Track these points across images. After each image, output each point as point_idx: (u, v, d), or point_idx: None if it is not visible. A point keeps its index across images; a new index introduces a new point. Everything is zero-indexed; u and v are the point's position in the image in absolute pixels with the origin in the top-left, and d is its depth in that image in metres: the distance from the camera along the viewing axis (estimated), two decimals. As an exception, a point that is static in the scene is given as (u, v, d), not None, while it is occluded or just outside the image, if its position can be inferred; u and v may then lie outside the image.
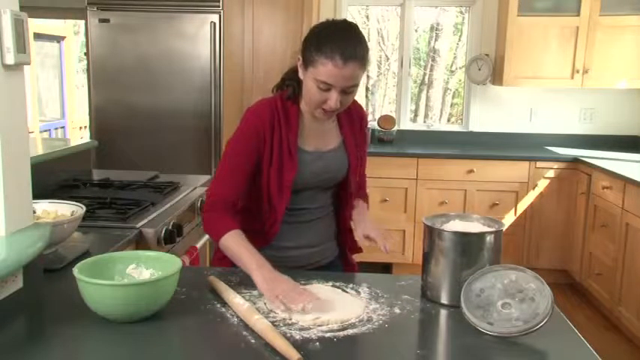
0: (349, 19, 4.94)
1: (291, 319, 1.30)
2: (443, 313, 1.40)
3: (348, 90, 1.56)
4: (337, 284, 1.54)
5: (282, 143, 1.64)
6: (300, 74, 1.60)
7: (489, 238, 1.40)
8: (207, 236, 2.58)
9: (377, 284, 1.54)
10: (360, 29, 1.59)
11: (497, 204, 4.21)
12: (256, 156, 1.64)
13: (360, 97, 7.61)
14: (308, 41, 1.57)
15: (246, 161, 1.64)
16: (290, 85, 1.67)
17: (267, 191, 1.67)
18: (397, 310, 1.39)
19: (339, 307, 1.37)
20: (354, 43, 1.52)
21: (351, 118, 1.78)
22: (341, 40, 1.51)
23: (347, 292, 1.49)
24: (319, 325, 1.28)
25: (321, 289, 1.50)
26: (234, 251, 1.54)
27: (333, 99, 1.54)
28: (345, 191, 1.77)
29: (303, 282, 1.53)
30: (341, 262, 1.85)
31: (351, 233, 1.82)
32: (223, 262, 1.70)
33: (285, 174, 1.64)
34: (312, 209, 1.75)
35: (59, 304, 1.39)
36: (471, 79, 4.67)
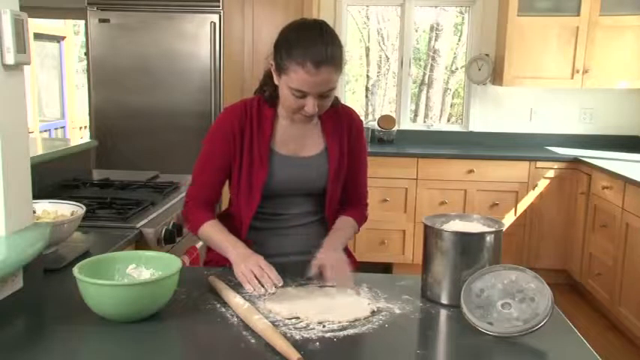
0: (349, 19, 4.95)
1: (298, 318, 1.30)
2: (443, 313, 1.40)
3: (325, 94, 1.50)
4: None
5: (253, 145, 1.61)
6: (275, 80, 1.55)
7: (489, 238, 1.40)
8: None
9: (377, 284, 1.54)
10: (332, 28, 1.52)
11: (497, 204, 4.21)
12: (228, 155, 1.64)
13: (360, 97, 7.65)
14: (278, 46, 1.51)
15: (217, 161, 1.65)
16: (267, 89, 1.63)
17: (237, 194, 1.67)
18: (397, 310, 1.39)
19: (339, 307, 1.37)
20: (324, 46, 1.44)
21: (339, 124, 1.69)
22: (311, 45, 1.44)
23: (347, 292, 1.49)
24: (320, 324, 1.28)
25: (322, 289, 1.50)
26: (213, 238, 1.61)
27: (310, 105, 1.49)
28: (330, 201, 1.70)
29: (303, 282, 1.53)
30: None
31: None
32: (211, 263, 1.73)
33: (254, 177, 1.62)
34: (290, 216, 1.69)
35: (59, 304, 1.40)
36: (471, 79, 4.67)
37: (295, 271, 1.55)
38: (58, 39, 7.46)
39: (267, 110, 1.64)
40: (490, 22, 4.61)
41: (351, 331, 1.27)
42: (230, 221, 1.70)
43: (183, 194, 2.48)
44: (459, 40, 7.34)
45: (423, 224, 1.47)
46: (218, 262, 1.70)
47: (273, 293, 1.43)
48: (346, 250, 1.73)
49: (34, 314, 1.37)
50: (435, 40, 7.66)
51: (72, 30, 7.73)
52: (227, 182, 1.73)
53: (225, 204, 1.85)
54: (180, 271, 1.34)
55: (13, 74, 1.39)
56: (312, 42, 1.45)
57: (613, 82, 4.32)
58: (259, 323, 1.24)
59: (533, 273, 1.31)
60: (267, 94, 1.63)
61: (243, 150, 1.62)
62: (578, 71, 4.27)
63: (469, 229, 1.44)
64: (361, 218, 1.79)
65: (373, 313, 1.36)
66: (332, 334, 1.25)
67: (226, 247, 1.56)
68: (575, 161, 4.10)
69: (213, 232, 1.62)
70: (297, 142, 1.66)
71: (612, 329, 3.58)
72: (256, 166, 1.62)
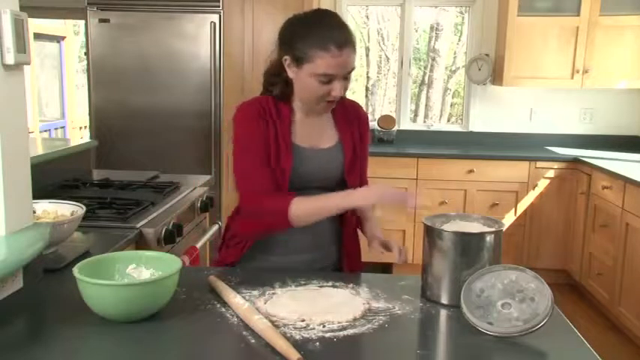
0: (349, 19, 4.95)
1: (303, 320, 1.29)
2: (443, 313, 1.40)
3: (348, 76, 1.56)
4: (337, 284, 1.54)
5: (278, 137, 1.61)
6: (291, 74, 1.58)
7: (489, 238, 1.40)
8: (207, 236, 2.58)
9: (377, 284, 1.54)
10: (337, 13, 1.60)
11: (497, 204, 4.21)
12: (265, 139, 1.60)
13: (360, 97, 7.64)
14: (291, 40, 1.56)
15: (264, 145, 1.60)
16: (274, 88, 1.65)
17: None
18: (397, 310, 1.39)
19: (339, 307, 1.37)
20: (341, 28, 1.53)
21: (348, 116, 1.74)
22: (329, 29, 1.52)
23: (347, 292, 1.49)
24: (320, 325, 1.28)
25: (322, 289, 1.50)
26: (313, 206, 1.55)
27: (337, 88, 1.55)
28: None
29: (303, 282, 1.53)
30: (339, 269, 1.78)
31: (354, 238, 1.79)
32: (228, 257, 1.72)
33: (281, 168, 1.60)
34: None
35: (59, 304, 1.40)
36: (471, 79, 4.67)
37: (308, 270, 1.63)
38: (58, 39, 7.46)
39: (282, 105, 1.65)
40: (490, 22, 4.61)
41: (351, 331, 1.27)
42: (253, 225, 1.68)
43: (184, 194, 2.50)
44: (459, 40, 7.34)
45: (423, 224, 1.47)
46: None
47: (273, 293, 1.42)
48: (343, 262, 1.78)
49: (34, 314, 1.37)
50: (435, 40, 7.66)
51: (72, 30, 7.74)
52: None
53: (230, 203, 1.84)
54: (180, 271, 1.34)
55: (13, 74, 1.39)
56: (329, 27, 1.53)
57: (613, 82, 4.32)
58: (259, 323, 1.24)
59: (533, 273, 1.31)
60: (278, 91, 1.65)
61: (269, 142, 1.61)
62: (578, 71, 4.27)
63: (469, 229, 1.44)
64: None
65: (367, 311, 1.36)
66: (332, 334, 1.25)
67: (340, 199, 1.53)
68: (575, 161, 4.10)
69: (310, 200, 1.55)
70: (313, 134, 1.68)
71: (612, 329, 3.58)
72: (282, 157, 1.60)
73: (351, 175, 1.71)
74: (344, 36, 1.52)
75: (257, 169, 1.59)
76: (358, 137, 1.75)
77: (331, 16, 1.58)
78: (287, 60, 1.58)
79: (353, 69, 1.56)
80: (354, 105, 1.79)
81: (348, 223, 1.76)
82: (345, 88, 1.58)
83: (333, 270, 1.77)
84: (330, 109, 1.66)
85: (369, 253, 1.79)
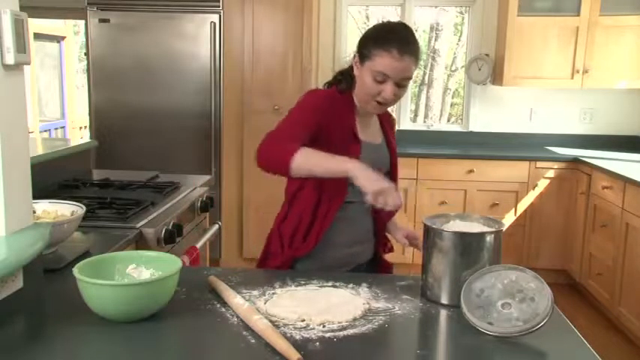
0: (349, 19, 4.95)
1: (303, 320, 1.30)
2: (443, 313, 1.40)
3: (402, 83, 1.63)
4: (337, 284, 1.54)
5: (344, 128, 1.69)
6: (356, 71, 1.69)
7: (489, 238, 1.40)
8: (207, 236, 2.58)
9: (377, 284, 1.54)
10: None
11: (497, 204, 4.21)
12: (315, 129, 1.63)
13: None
14: (366, 39, 1.67)
15: (313, 125, 1.63)
16: (343, 80, 1.74)
17: (322, 183, 1.68)
18: (397, 310, 1.39)
19: (339, 307, 1.37)
20: (409, 39, 1.63)
21: (388, 119, 1.90)
22: (398, 36, 1.62)
23: (347, 292, 1.49)
24: (320, 325, 1.28)
25: (322, 289, 1.50)
26: (315, 159, 1.52)
27: (388, 90, 1.62)
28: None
29: (303, 282, 1.53)
30: (375, 263, 1.88)
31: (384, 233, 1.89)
32: (268, 262, 1.79)
33: (349, 156, 1.61)
34: (359, 203, 1.71)
35: (59, 304, 1.39)
36: (471, 79, 4.67)
37: (354, 261, 1.80)
38: (58, 39, 7.46)
39: (346, 99, 1.74)
40: (490, 22, 4.61)
41: (351, 331, 1.27)
42: (308, 211, 1.71)
43: (184, 194, 2.50)
44: (459, 40, 7.34)
45: (423, 224, 1.47)
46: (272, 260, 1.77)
47: (273, 293, 1.43)
48: (380, 255, 1.91)
49: (34, 314, 1.37)
50: (435, 40, 7.66)
51: (72, 30, 7.74)
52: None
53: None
54: (180, 271, 1.34)
55: (13, 74, 1.39)
56: (398, 34, 1.64)
57: (613, 82, 4.32)
58: (259, 323, 1.24)
59: (533, 273, 1.31)
60: (343, 85, 1.75)
61: (333, 133, 1.66)
62: (578, 71, 4.27)
63: (469, 229, 1.44)
64: None
65: (367, 311, 1.36)
66: (332, 334, 1.25)
67: (343, 163, 1.50)
68: (575, 161, 4.10)
69: (315, 153, 1.53)
70: (368, 129, 1.79)
71: (612, 329, 3.58)
72: (351, 148, 1.67)
73: (395, 171, 1.88)
74: (410, 44, 1.61)
75: (290, 132, 1.59)
76: (393, 137, 1.91)
77: (405, 28, 1.67)
78: (355, 57, 1.69)
79: (409, 78, 1.65)
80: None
81: (382, 219, 1.86)
82: (397, 95, 1.65)
83: (373, 260, 1.88)
84: (380, 111, 1.75)
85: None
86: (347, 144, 1.69)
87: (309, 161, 1.52)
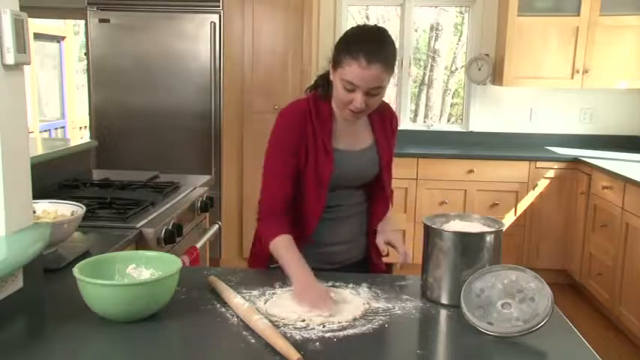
0: (349, 19, 4.95)
1: (303, 320, 1.30)
2: (443, 313, 1.40)
3: (373, 92, 1.57)
4: (337, 284, 1.54)
5: (317, 141, 1.67)
6: (331, 76, 1.64)
7: (489, 238, 1.40)
8: (207, 236, 2.58)
9: (377, 284, 1.54)
10: (389, 33, 1.62)
11: (497, 204, 4.21)
12: (297, 155, 1.66)
13: (387, 88, 7.61)
14: (339, 44, 1.61)
15: (291, 156, 1.66)
16: (322, 85, 1.71)
17: (304, 190, 1.69)
18: (397, 310, 1.39)
19: (339, 307, 1.37)
20: (379, 45, 1.55)
21: (383, 118, 1.81)
22: (367, 42, 1.55)
23: (347, 292, 1.49)
24: (320, 325, 1.28)
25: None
26: (281, 253, 1.58)
27: (358, 100, 1.56)
28: (378, 190, 1.80)
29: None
30: (367, 262, 1.86)
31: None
32: (259, 260, 1.78)
33: (321, 172, 1.66)
34: (347, 206, 1.77)
35: (59, 304, 1.40)
36: (471, 79, 4.67)
37: (345, 258, 1.77)
38: (58, 39, 7.46)
39: (324, 107, 1.70)
40: (490, 22, 4.61)
41: (351, 331, 1.27)
42: (293, 217, 1.72)
43: (184, 194, 2.50)
44: (459, 40, 7.34)
45: (423, 224, 1.47)
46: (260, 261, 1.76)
47: (273, 293, 1.43)
48: (371, 254, 1.86)
49: (34, 314, 1.37)
50: (435, 40, 7.66)
51: (72, 30, 7.74)
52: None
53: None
54: (180, 271, 1.34)
55: (13, 74, 1.39)
56: (368, 39, 1.56)
57: (613, 82, 4.32)
58: (259, 323, 1.24)
59: (533, 273, 1.31)
60: (322, 90, 1.71)
61: (309, 147, 1.67)
62: (578, 71, 4.27)
63: (469, 229, 1.44)
64: (390, 198, 1.90)
65: (367, 311, 1.36)
66: (332, 334, 1.25)
67: (292, 270, 1.52)
68: (575, 161, 4.10)
69: (283, 249, 1.59)
70: (349, 136, 1.73)
71: (612, 329, 3.58)
72: (322, 161, 1.67)
73: (387, 174, 1.81)
74: (379, 51, 1.53)
75: (277, 177, 1.68)
76: (391, 136, 1.84)
77: (377, 33, 1.60)
78: (330, 62, 1.64)
79: (380, 87, 1.57)
80: (387, 106, 1.84)
81: (376, 219, 1.82)
82: (369, 105, 1.59)
83: (364, 260, 1.85)
84: (355, 119, 1.67)
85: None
86: (320, 157, 1.66)
87: (274, 252, 1.61)
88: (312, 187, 1.68)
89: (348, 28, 1.67)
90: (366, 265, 1.85)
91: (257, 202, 1.73)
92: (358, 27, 1.66)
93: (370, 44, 1.54)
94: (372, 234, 1.83)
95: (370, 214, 1.83)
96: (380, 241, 1.74)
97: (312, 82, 1.77)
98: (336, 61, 1.59)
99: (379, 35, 1.59)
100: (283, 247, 1.59)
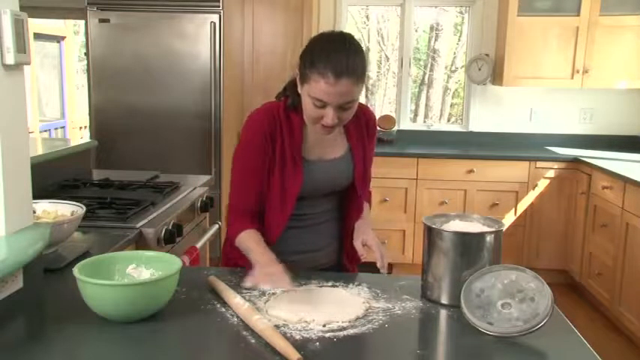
0: (349, 19, 4.95)
1: (306, 321, 1.29)
2: (443, 313, 1.40)
3: (345, 106, 1.50)
4: (337, 284, 1.54)
5: (285, 152, 1.62)
6: (299, 89, 1.56)
7: (489, 238, 1.40)
8: (207, 236, 2.59)
9: (377, 284, 1.54)
10: (357, 40, 1.54)
11: (497, 204, 4.21)
12: (264, 164, 1.63)
13: (360, 97, 7.62)
14: (303, 56, 1.53)
15: (258, 166, 1.63)
16: (290, 95, 1.64)
17: (268, 199, 1.66)
18: (397, 310, 1.39)
19: (339, 307, 1.37)
20: (347, 58, 1.46)
21: (359, 124, 1.73)
22: (333, 56, 1.45)
23: (347, 292, 1.49)
24: (320, 325, 1.28)
25: (322, 289, 1.50)
26: (246, 244, 1.60)
27: (329, 116, 1.50)
28: (352, 197, 1.75)
29: (303, 282, 1.53)
30: (338, 269, 1.79)
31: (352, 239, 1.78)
32: (230, 261, 1.76)
33: (288, 184, 1.62)
34: (314, 214, 1.73)
35: (59, 304, 1.40)
36: (471, 79, 4.67)
37: (311, 266, 1.70)
38: (58, 39, 7.46)
39: (294, 116, 1.64)
40: (490, 22, 4.61)
41: (351, 331, 1.27)
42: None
43: (184, 194, 2.50)
44: (459, 40, 7.34)
45: (423, 224, 1.47)
46: (236, 262, 1.71)
47: (273, 293, 1.43)
48: (344, 261, 1.82)
49: (34, 314, 1.37)
50: (435, 40, 7.66)
51: (72, 30, 7.73)
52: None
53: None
54: (180, 271, 1.34)
55: (13, 74, 1.39)
56: (334, 53, 1.46)
57: (613, 82, 4.32)
58: (259, 323, 1.24)
59: (533, 273, 1.31)
60: (291, 101, 1.64)
61: (275, 156, 1.62)
62: (578, 71, 4.27)
63: (469, 229, 1.44)
64: (368, 199, 1.87)
65: (367, 310, 1.36)
66: (332, 334, 1.25)
67: (256, 255, 1.54)
68: (575, 161, 4.10)
69: (248, 240, 1.60)
70: (321, 146, 1.68)
71: (612, 329, 3.58)
72: (289, 173, 1.62)
73: (361, 182, 1.74)
74: (347, 65, 1.44)
75: (245, 186, 1.67)
76: (367, 142, 1.75)
77: (345, 42, 1.50)
78: (297, 75, 1.56)
79: (351, 101, 1.50)
80: (363, 109, 1.75)
81: (348, 226, 1.77)
82: (341, 119, 1.52)
83: (334, 267, 1.79)
84: (327, 133, 1.59)
85: (367, 254, 1.78)
86: (288, 168, 1.62)
87: (241, 245, 1.63)
88: (277, 198, 1.64)
89: (311, 40, 1.57)
90: (338, 271, 1.76)
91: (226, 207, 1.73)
92: (322, 37, 1.55)
93: (336, 57, 1.45)
94: (346, 238, 1.77)
95: (343, 219, 1.77)
96: (357, 243, 1.68)
97: (281, 89, 1.69)
98: (303, 76, 1.51)
99: (345, 46, 1.48)
100: (248, 238, 1.60)
